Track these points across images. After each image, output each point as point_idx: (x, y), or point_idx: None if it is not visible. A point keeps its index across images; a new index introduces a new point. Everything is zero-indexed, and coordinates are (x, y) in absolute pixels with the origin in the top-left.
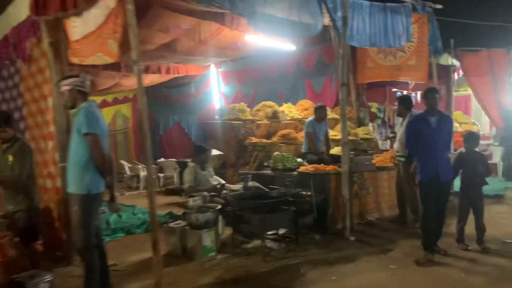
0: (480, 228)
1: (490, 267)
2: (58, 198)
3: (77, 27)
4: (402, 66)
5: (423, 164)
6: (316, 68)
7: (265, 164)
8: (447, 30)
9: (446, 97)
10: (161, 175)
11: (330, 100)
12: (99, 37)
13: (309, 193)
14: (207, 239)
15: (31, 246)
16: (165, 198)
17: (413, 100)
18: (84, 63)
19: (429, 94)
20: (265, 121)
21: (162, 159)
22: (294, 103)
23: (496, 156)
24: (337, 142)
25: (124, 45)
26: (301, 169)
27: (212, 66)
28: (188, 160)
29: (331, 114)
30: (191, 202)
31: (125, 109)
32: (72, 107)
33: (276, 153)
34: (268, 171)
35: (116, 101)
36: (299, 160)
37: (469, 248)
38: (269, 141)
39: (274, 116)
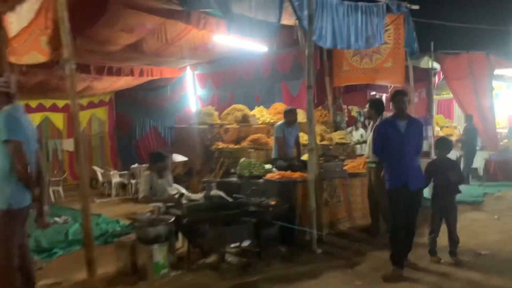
0: (453, 239)
1: (463, 282)
2: None
3: (13, 23)
4: (379, 68)
5: (391, 172)
6: (292, 70)
7: (232, 171)
8: (427, 32)
9: (426, 100)
10: (133, 181)
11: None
12: (32, 34)
13: (273, 202)
14: (159, 255)
15: None
16: (134, 207)
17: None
18: (20, 63)
19: (397, 97)
20: (234, 125)
21: (136, 165)
22: (270, 106)
23: (477, 161)
24: None
25: (57, 42)
26: (267, 176)
27: (188, 69)
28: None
29: (306, 118)
30: (139, 214)
31: (101, 113)
32: None
33: (242, 159)
34: (234, 179)
35: (91, 105)
36: (267, 166)
37: (442, 261)
38: (237, 146)
39: (244, 120)
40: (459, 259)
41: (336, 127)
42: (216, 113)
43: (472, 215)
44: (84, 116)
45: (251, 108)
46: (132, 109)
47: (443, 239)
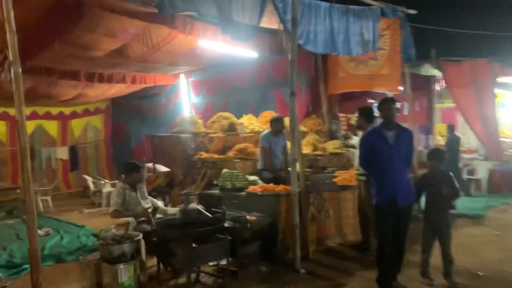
0: (447, 259)
1: None
2: None
3: None
4: (375, 75)
5: (378, 187)
6: (286, 77)
7: (215, 182)
8: (427, 39)
9: (427, 109)
10: None
11: (300, 111)
12: None
13: (253, 217)
14: (124, 275)
15: None
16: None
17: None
18: None
19: (384, 104)
20: (220, 134)
21: None
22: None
23: (481, 172)
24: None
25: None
26: (250, 189)
27: (182, 76)
28: None
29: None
30: (103, 231)
31: (97, 121)
32: None
33: (224, 170)
34: (216, 191)
35: (87, 112)
36: (251, 178)
37: (434, 283)
38: (221, 156)
39: (231, 128)
40: (453, 281)
41: (332, 136)
42: (200, 122)
43: (471, 230)
44: (79, 124)
45: None
46: (128, 117)
47: (437, 257)
